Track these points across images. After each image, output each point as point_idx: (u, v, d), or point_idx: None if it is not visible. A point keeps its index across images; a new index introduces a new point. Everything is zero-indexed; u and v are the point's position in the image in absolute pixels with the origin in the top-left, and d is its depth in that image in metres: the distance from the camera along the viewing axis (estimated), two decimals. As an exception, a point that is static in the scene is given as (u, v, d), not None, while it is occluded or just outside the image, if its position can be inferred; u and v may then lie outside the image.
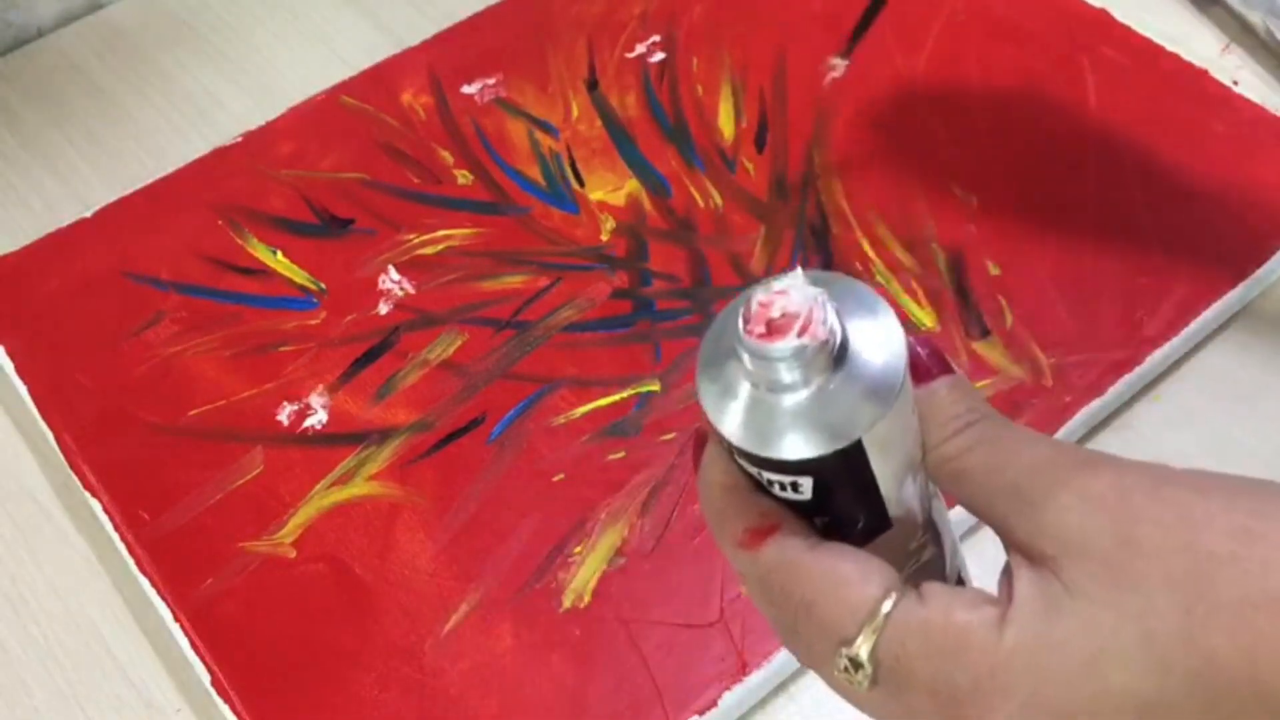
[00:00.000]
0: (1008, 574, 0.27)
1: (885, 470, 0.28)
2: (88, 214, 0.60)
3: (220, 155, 0.62)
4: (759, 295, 0.26)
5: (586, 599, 0.47)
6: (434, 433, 0.52)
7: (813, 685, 0.46)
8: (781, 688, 0.46)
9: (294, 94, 0.65)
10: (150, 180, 0.62)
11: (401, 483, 0.50)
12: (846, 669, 0.27)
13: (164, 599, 0.47)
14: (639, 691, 0.44)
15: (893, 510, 0.29)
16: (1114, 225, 0.56)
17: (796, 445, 0.26)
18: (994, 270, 0.55)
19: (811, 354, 0.26)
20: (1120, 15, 0.63)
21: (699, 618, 0.46)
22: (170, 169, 0.62)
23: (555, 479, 0.50)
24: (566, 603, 0.47)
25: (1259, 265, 0.54)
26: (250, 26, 0.71)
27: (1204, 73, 0.61)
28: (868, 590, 0.27)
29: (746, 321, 0.26)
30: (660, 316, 0.55)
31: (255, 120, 0.63)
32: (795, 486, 0.28)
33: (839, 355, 0.26)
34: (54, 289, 0.57)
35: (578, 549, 0.48)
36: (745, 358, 0.26)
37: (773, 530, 0.28)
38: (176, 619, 0.47)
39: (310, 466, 0.51)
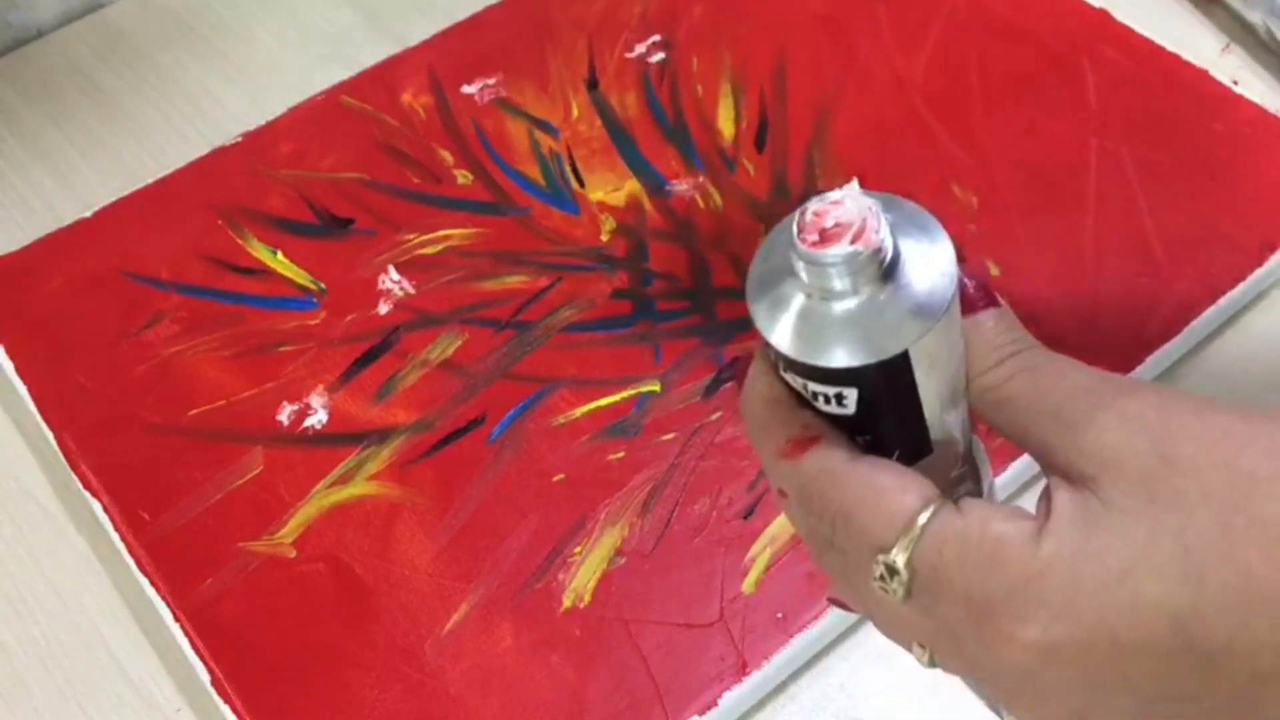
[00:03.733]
0: (1046, 495, 0.28)
1: (929, 389, 0.28)
2: (88, 214, 0.60)
3: (220, 155, 0.62)
4: (814, 205, 0.27)
5: (586, 599, 0.47)
6: (434, 433, 0.52)
7: (813, 685, 0.46)
8: (781, 688, 0.46)
9: (294, 94, 0.65)
10: (150, 180, 0.62)
11: (401, 483, 0.50)
12: (882, 576, 0.27)
13: (164, 599, 0.47)
14: (639, 691, 0.44)
15: (934, 434, 0.29)
16: (1114, 225, 0.56)
17: (844, 353, 0.27)
18: (994, 270, 0.55)
19: (863, 261, 0.26)
20: (1120, 15, 0.63)
21: (699, 618, 0.46)
22: (170, 169, 0.62)
23: (555, 479, 0.50)
24: (566, 603, 0.47)
25: (1259, 265, 0.54)
26: (250, 26, 0.71)
27: (1204, 73, 0.61)
28: (907, 500, 0.27)
29: (800, 230, 0.27)
30: (660, 317, 0.55)
31: (255, 120, 0.63)
32: (840, 399, 0.28)
33: (890, 267, 0.27)
34: (54, 289, 0.57)
35: (578, 549, 0.48)
36: (798, 266, 0.27)
37: (815, 441, 0.29)
38: (176, 619, 0.47)
39: (310, 466, 0.51)
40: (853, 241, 0.26)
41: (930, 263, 0.27)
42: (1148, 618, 0.25)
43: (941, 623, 0.28)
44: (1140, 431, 0.27)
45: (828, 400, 0.28)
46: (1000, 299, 0.30)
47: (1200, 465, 0.26)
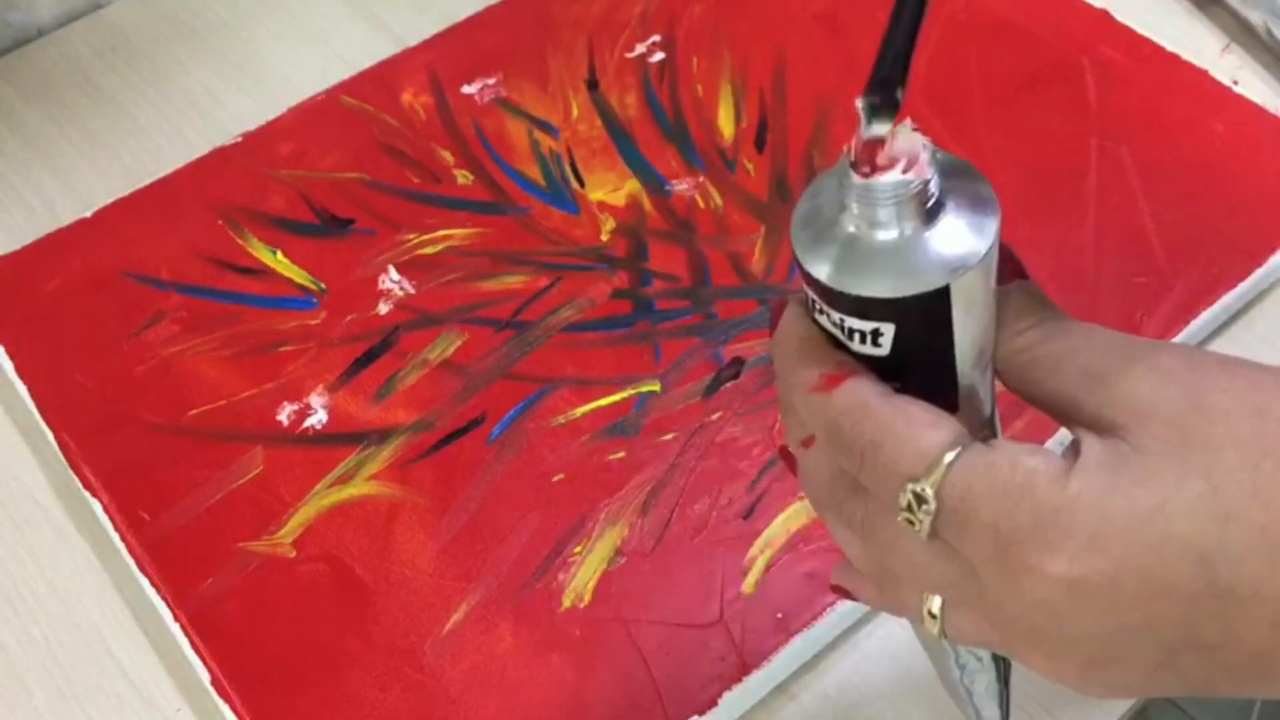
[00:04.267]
0: (1074, 445, 0.28)
1: (964, 334, 0.28)
2: (88, 214, 0.60)
3: (220, 155, 0.62)
4: (866, 139, 0.27)
5: (586, 599, 0.47)
6: (434, 433, 0.52)
7: (813, 685, 0.46)
8: (781, 688, 0.46)
9: (294, 94, 0.65)
10: (150, 180, 0.62)
11: (401, 483, 0.50)
12: (910, 506, 0.27)
13: (164, 599, 0.47)
14: (639, 691, 0.44)
15: (963, 385, 0.29)
16: (1114, 225, 0.56)
17: (888, 283, 0.27)
18: (994, 270, 0.55)
19: (913, 191, 0.27)
20: (1120, 15, 0.63)
21: (699, 618, 0.46)
22: (170, 169, 0.62)
23: (555, 479, 0.50)
24: (566, 603, 0.47)
25: (1259, 265, 0.54)
26: (250, 26, 0.71)
27: (1204, 73, 0.61)
28: (938, 434, 0.28)
29: (853, 162, 0.27)
30: (660, 317, 0.55)
31: (255, 120, 0.63)
32: (876, 337, 0.28)
33: (936, 206, 0.27)
34: (54, 289, 0.57)
35: (578, 549, 0.48)
36: (848, 195, 0.27)
37: (849, 375, 0.29)
38: (176, 619, 0.47)
39: (310, 466, 0.51)
40: (905, 170, 0.27)
41: (975, 206, 0.28)
42: (1175, 555, 0.26)
43: (963, 563, 0.28)
44: (1171, 382, 0.27)
45: (864, 339, 0.28)
46: (1028, 275, 0.31)
47: (1230, 412, 0.26)
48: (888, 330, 0.28)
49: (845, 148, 0.28)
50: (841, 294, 0.28)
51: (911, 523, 0.28)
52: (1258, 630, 0.26)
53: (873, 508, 0.29)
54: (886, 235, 0.27)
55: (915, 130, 0.27)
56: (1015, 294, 0.30)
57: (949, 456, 0.27)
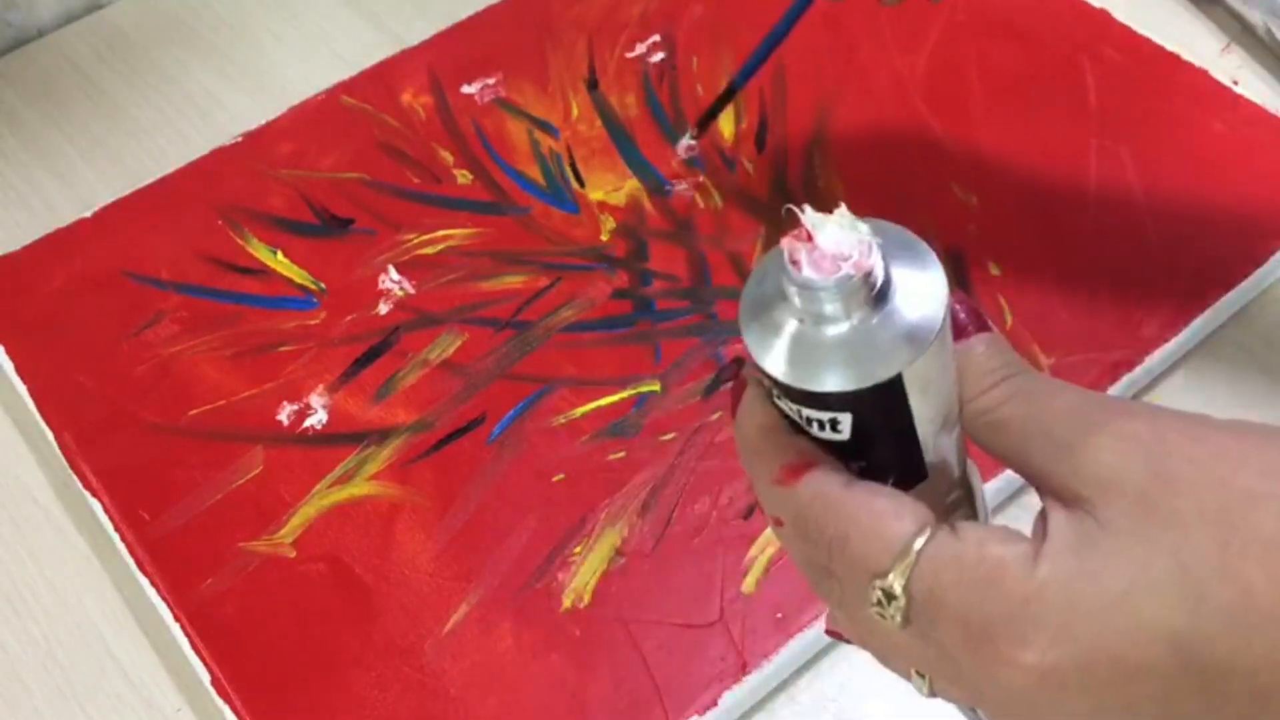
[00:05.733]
0: (1042, 517, 0.27)
1: (923, 413, 0.28)
2: (88, 214, 0.60)
3: (220, 155, 0.62)
4: (805, 230, 0.27)
5: (586, 599, 0.47)
6: (434, 433, 0.52)
7: (813, 685, 0.46)
8: (781, 688, 0.46)
9: (294, 94, 0.65)
10: (150, 180, 0.62)
11: (401, 483, 0.50)
12: (879, 602, 0.27)
13: (164, 599, 0.47)
14: (639, 691, 0.44)
15: (929, 458, 0.29)
16: (1114, 225, 0.56)
17: (838, 378, 0.27)
18: (994, 270, 0.55)
19: (855, 286, 0.26)
20: (1120, 15, 0.63)
21: (699, 618, 0.46)
22: (170, 169, 0.62)
23: (555, 479, 0.50)
24: (566, 603, 0.47)
25: (1258, 265, 0.54)
26: (250, 26, 0.71)
27: (1204, 73, 0.61)
28: (903, 525, 0.27)
29: (791, 256, 0.27)
30: (660, 316, 0.55)
31: (255, 120, 0.63)
32: (834, 425, 0.28)
33: (882, 292, 0.27)
34: (54, 289, 0.57)
35: (578, 549, 0.48)
36: (790, 291, 0.27)
37: (809, 466, 0.29)
38: (176, 619, 0.47)
39: (310, 466, 0.51)
40: (844, 266, 0.26)
41: (921, 287, 0.27)
42: (1146, 639, 0.25)
43: (939, 648, 0.27)
44: (1135, 451, 0.26)
45: (822, 426, 0.28)
46: (991, 324, 0.30)
47: (1196, 484, 0.26)
48: (845, 419, 0.28)
49: (783, 241, 0.27)
50: (793, 388, 0.27)
51: (883, 616, 0.27)
52: (1237, 701, 0.25)
53: (847, 595, 0.29)
54: (832, 330, 0.27)
55: (851, 216, 0.27)
56: (977, 349, 0.29)
57: (917, 544, 0.27)
